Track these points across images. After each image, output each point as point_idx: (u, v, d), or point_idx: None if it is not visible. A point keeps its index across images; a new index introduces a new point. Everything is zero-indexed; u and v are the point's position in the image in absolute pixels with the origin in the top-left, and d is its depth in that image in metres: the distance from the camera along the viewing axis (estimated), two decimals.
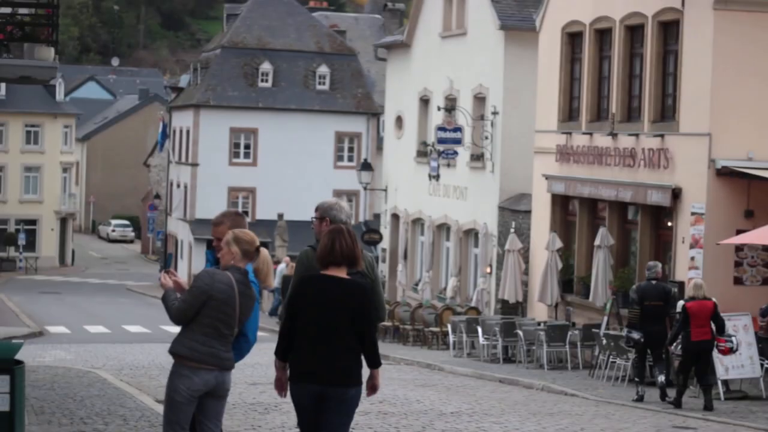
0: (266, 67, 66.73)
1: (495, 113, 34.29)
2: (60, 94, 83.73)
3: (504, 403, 19.53)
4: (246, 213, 59.95)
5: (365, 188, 44.82)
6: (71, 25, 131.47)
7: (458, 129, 35.04)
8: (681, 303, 19.40)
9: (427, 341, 33.36)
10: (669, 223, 25.14)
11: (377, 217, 51.50)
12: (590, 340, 25.53)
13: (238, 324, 9.24)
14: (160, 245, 79.31)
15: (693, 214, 23.79)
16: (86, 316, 48.12)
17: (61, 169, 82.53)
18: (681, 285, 23.03)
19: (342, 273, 8.88)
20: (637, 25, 26.29)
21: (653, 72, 25.51)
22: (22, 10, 18.97)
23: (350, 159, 66.33)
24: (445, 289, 37.17)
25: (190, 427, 9.30)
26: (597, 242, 26.90)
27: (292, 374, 8.93)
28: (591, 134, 27.79)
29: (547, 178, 29.53)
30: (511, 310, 31.73)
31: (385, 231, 43.17)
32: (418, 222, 40.39)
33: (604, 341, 23.48)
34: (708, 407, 18.85)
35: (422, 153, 39.59)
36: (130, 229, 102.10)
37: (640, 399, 20.11)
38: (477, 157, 35.31)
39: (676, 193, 24.37)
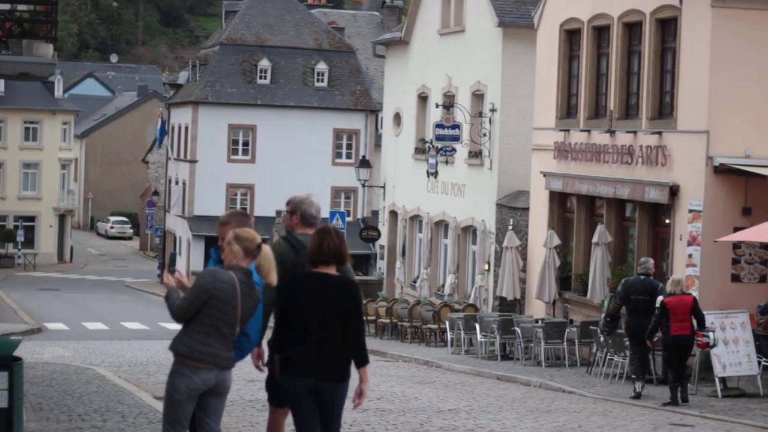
0: (265, 64, 66.76)
1: (493, 110, 34.30)
2: (59, 91, 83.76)
3: (502, 400, 19.55)
4: (244, 209, 59.94)
5: (363, 185, 44.80)
6: (70, 22, 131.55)
7: (456, 126, 35.07)
8: (660, 298, 19.65)
9: (425, 338, 33.39)
10: (667, 221, 25.15)
11: (375, 213, 51.53)
12: (588, 338, 25.55)
13: (239, 323, 9.27)
14: (158, 242, 79.32)
15: (691, 211, 23.81)
16: (85, 313, 48.16)
17: (59, 165, 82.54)
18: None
19: (332, 270, 9.24)
20: (635, 23, 26.30)
21: (651, 69, 25.52)
22: (21, 7, 18.96)
23: (348, 156, 66.35)
24: (443, 286, 37.18)
25: (189, 424, 9.34)
26: (595, 239, 26.92)
27: (287, 369, 9.12)
28: (589, 131, 27.80)
29: (545, 176, 29.54)
30: (509, 307, 31.75)
31: (384, 228, 43.18)
32: (416, 219, 40.41)
33: (602, 338, 23.50)
34: (683, 399, 19.34)
35: (420, 150, 39.61)
36: (129, 225, 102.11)
37: (637, 396, 20.17)
38: (475, 154, 35.32)
39: (673, 191, 24.38)
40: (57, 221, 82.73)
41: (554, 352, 26.80)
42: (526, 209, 31.59)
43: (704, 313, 19.94)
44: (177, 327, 9.37)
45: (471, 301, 33.60)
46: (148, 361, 25.29)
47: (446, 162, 36.91)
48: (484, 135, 34.54)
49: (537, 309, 29.86)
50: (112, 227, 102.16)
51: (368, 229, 45.02)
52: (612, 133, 26.70)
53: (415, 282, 39.43)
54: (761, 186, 23.24)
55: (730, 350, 20.69)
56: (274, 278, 9.48)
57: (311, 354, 9.08)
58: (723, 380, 20.72)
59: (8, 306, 49.66)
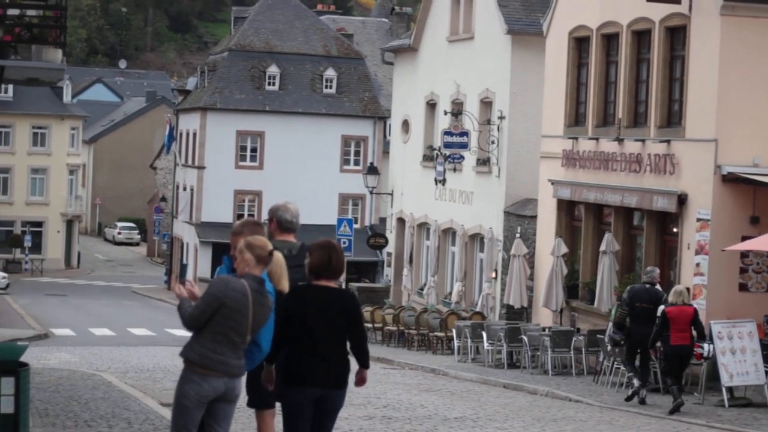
0: (273, 70, 66.79)
1: (501, 118, 34.27)
2: (67, 96, 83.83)
3: (508, 408, 19.53)
4: (252, 216, 59.92)
5: (371, 192, 44.79)
6: (79, 27, 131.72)
7: (464, 133, 35.05)
8: (661, 308, 19.73)
9: (431, 346, 33.36)
10: (674, 229, 25.12)
11: (383, 221, 51.50)
12: (595, 346, 25.51)
13: (251, 332, 9.29)
14: (165, 248, 79.35)
15: (699, 220, 23.77)
16: (91, 319, 48.18)
17: (67, 171, 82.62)
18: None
19: (332, 284, 9.58)
20: (644, 31, 26.28)
21: (660, 77, 25.49)
22: (31, 12, 19.00)
23: (356, 162, 66.34)
24: (450, 293, 37.16)
25: (197, 431, 9.35)
26: (602, 248, 26.88)
27: (291, 378, 9.34)
28: (597, 139, 27.77)
29: (552, 183, 29.51)
30: (516, 315, 31.71)
31: (391, 235, 43.17)
32: (423, 226, 40.39)
33: (609, 347, 23.47)
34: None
35: (428, 157, 39.60)
36: (136, 231, 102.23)
37: (639, 400, 20.33)
38: (483, 162, 35.30)
39: (681, 199, 24.35)
40: (64, 227, 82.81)
41: (561, 361, 26.76)
42: (534, 217, 31.56)
43: (711, 322, 19.97)
44: (184, 333, 9.40)
45: (478, 309, 33.57)
46: (155, 368, 25.28)
47: (454, 169, 36.89)
48: (492, 142, 34.51)
49: (544, 317, 29.82)
50: (119, 233, 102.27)
51: (376, 237, 45.00)
52: (620, 141, 26.67)
53: (422, 289, 39.40)
54: None
55: (738, 359, 20.66)
56: (285, 285, 9.57)
57: (319, 365, 9.39)
58: (730, 390, 20.68)
59: (15, 311, 49.70)
